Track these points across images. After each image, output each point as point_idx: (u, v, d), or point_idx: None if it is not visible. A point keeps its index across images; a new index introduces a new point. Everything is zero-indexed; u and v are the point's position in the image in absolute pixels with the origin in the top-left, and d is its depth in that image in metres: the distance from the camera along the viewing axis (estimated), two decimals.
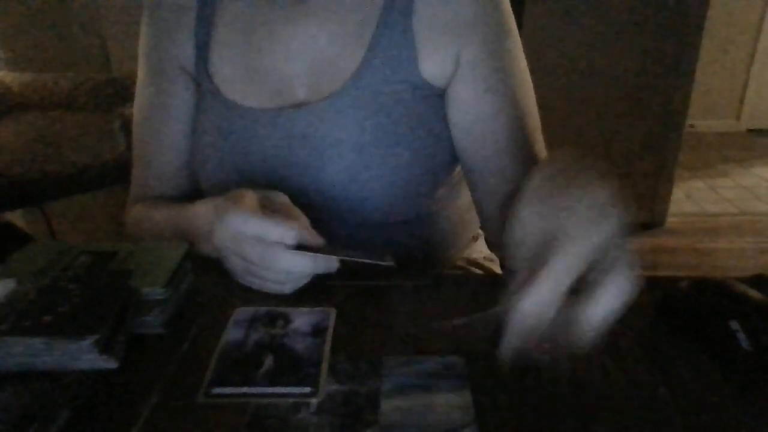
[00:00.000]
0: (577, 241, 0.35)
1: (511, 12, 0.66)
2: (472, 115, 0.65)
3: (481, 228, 0.84)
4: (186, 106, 0.71)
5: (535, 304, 0.35)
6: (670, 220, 2.54)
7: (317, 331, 0.49)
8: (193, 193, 0.73)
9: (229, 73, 0.68)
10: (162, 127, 0.72)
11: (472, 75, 0.64)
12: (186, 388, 0.43)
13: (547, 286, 0.34)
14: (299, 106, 0.65)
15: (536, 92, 0.68)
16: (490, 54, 0.64)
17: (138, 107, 0.73)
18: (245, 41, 0.67)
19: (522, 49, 0.67)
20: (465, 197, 0.75)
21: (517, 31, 0.67)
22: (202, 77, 0.69)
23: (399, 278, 0.56)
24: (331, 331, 0.49)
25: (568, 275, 0.35)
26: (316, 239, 0.52)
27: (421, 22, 0.63)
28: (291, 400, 0.42)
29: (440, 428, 0.39)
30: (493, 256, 0.85)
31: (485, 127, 0.65)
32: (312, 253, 0.51)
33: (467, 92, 0.64)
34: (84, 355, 0.44)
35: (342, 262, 0.52)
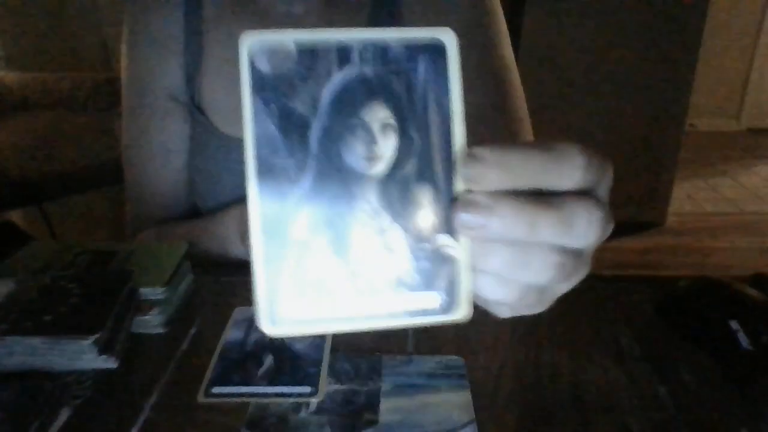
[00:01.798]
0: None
1: (502, 12, 0.67)
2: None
3: None
4: (181, 136, 0.68)
5: None
6: (670, 220, 2.54)
7: None
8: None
9: (221, 105, 0.65)
10: (158, 159, 0.68)
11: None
12: (186, 388, 0.43)
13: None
14: None
15: (535, 92, 0.68)
16: (480, 58, 0.64)
17: (128, 138, 0.70)
18: (236, 69, 0.66)
19: (511, 47, 0.67)
20: None
21: (507, 30, 0.67)
22: (193, 109, 0.66)
23: None
24: None
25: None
26: None
27: (410, 25, 0.63)
28: (291, 400, 0.42)
29: (440, 428, 0.39)
30: None
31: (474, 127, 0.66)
32: None
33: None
34: (84, 355, 0.44)
35: None
